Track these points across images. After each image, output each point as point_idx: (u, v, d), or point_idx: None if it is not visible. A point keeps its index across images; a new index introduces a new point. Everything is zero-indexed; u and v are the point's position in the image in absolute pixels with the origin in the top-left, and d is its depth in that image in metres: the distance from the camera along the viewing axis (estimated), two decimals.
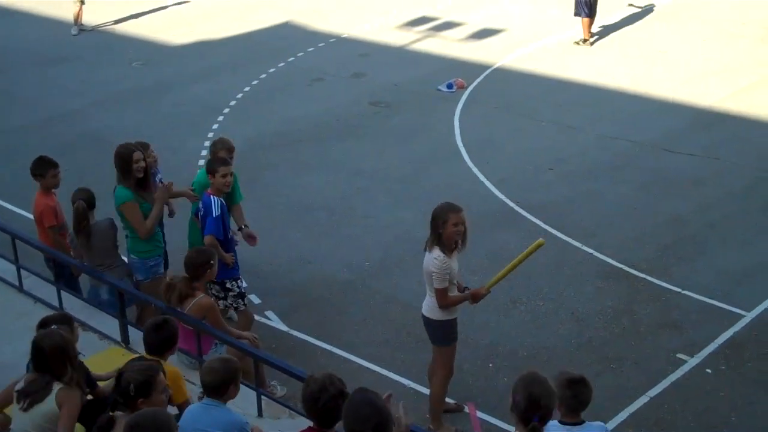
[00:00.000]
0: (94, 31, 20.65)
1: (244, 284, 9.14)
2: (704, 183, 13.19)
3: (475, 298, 7.99)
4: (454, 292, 7.93)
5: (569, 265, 11.15)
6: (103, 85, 17.43)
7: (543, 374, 5.28)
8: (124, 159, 8.68)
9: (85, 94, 17.01)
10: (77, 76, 18.03)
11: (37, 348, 6.12)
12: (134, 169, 8.65)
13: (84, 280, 9.51)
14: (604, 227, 12.03)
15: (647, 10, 21.02)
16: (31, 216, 9.57)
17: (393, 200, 12.91)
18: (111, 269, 8.95)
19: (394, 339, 9.83)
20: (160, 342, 6.48)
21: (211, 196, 8.78)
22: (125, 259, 9.12)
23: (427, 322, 8.05)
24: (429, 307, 7.96)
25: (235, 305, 8.99)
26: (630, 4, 21.29)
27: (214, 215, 8.67)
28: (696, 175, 13.44)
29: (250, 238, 9.67)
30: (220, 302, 8.89)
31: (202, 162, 12.79)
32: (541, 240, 7.82)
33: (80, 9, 20.34)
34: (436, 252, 7.66)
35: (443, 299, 7.78)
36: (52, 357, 6.07)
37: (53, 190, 9.32)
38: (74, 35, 20.32)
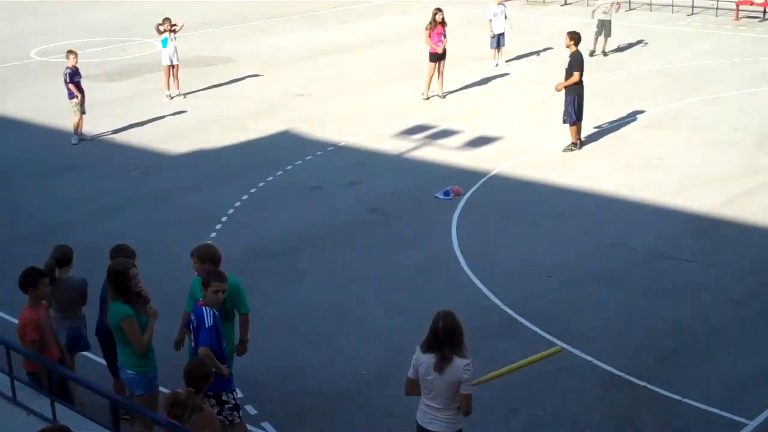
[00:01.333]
0: (94, 140, 20.84)
1: (240, 394, 9.02)
2: (703, 289, 13.16)
3: None
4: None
5: (569, 373, 11.04)
6: (102, 194, 17.52)
7: None
8: (120, 275, 8.72)
9: (84, 203, 17.08)
10: (77, 185, 18.12)
11: None
12: (131, 285, 8.69)
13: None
14: (603, 334, 11.96)
15: (641, 117, 21.28)
16: None
17: (391, 308, 12.85)
18: (74, 319, 10.03)
19: None
20: None
21: (203, 307, 8.69)
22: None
23: None
24: (448, 422, 7.85)
25: (230, 418, 8.84)
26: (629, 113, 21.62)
27: (206, 325, 8.57)
28: (694, 281, 13.42)
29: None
30: None
31: None
32: (557, 348, 7.86)
33: (80, 119, 20.56)
34: (466, 360, 7.70)
35: (471, 404, 7.80)
36: None
37: (42, 302, 9.33)
38: (74, 145, 20.50)
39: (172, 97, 24.12)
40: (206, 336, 8.58)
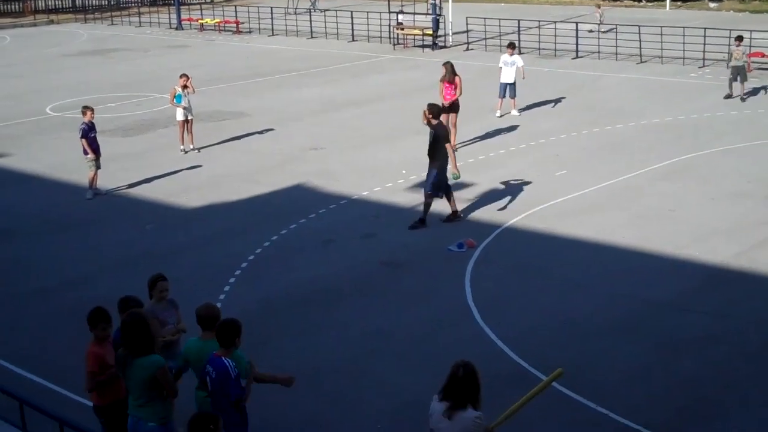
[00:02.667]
0: (109, 195, 20.97)
1: None
2: (718, 342, 13.09)
3: None
4: None
5: (583, 427, 10.97)
6: (116, 248, 17.58)
7: None
8: (139, 325, 8.71)
9: (99, 258, 17.14)
10: (92, 239, 18.20)
11: None
12: (153, 331, 8.78)
13: None
14: (618, 388, 11.89)
15: (653, 169, 21.31)
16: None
17: (404, 362, 12.81)
18: None
19: None
20: None
21: (222, 358, 8.73)
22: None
23: None
24: None
25: None
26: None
27: (233, 376, 8.66)
28: (709, 333, 13.35)
29: None
30: None
31: None
32: (560, 370, 7.82)
33: (95, 174, 20.71)
34: (477, 412, 7.64)
35: None
36: None
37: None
38: (89, 199, 20.63)
39: (186, 152, 24.28)
40: (237, 388, 8.72)
